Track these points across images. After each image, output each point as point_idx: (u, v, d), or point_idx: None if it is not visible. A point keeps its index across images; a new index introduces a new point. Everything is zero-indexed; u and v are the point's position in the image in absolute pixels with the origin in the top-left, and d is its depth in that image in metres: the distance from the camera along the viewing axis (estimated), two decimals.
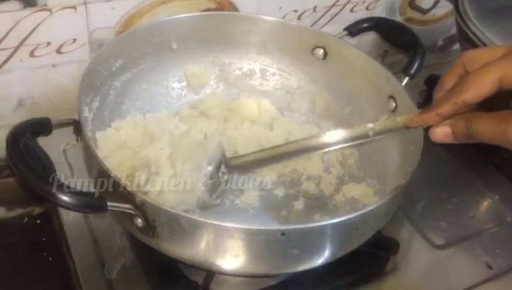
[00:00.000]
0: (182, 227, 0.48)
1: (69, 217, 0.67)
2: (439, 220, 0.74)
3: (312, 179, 0.70)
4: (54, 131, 0.56)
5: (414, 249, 0.70)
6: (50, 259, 0.67)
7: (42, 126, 0.52)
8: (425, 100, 0.93)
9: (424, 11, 1.05)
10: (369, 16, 0.79)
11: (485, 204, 0.78)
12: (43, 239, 0.70)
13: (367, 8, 0.96)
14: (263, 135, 0.72)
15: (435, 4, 1.05)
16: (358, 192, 0.67)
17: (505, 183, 0.80)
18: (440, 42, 1.12)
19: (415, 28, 1.05)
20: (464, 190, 0.79)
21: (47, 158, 0.48)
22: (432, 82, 0.95)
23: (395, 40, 0.75)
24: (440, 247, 0.70)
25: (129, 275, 0.61)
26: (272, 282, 0.62)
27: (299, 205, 0.66)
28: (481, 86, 0.43)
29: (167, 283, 0.59)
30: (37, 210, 0.74)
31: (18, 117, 0.75)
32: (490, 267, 0.68)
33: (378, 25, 0.76)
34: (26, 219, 0.73)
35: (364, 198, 0.66)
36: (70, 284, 0.62)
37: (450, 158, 0.85)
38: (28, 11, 0.68)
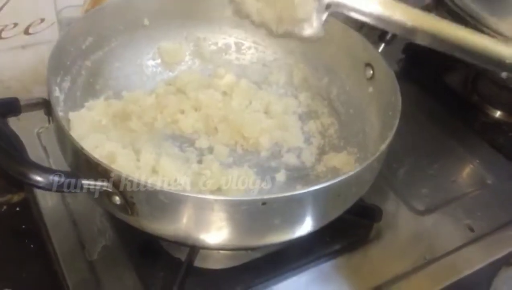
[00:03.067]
0: (162, 203, 0.47)
1: (47, 203, 0.65)
2: (420, 186, 0.74)
3: (293, 150, 0.69)
4: (27, 114, 0.55)
5: (397, 216, 0.69)
6: (32, 246, 0.66)
7: (10, 106, 0.51)
8: (403, 69, 0.93)
9: None
10: None
11: (466, 169, 0.78)
12: (23, 226, 0.68)
13: None
14: (241, 109, 0.71)
15: None
16: (339, 161, 0.66)
17: (485, 147, 0.81)
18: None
19: None
20: (444, 156, 0.79)
21: (18, 139, 0.47)
22: (409, 50, 0.94)
23: None
24: (422, 213, 0.70)
25: (111, 255, 0.60)
26: (258, 255, 0.61)
27: (280, 177, 0.66)
28: None
29: (150, 261, 0.58)
30: (15, 198, 0.72)
31: None
32: (472, 230, 0.69)
33: None
34: (4, 207, 0.71)
35: (346, 167, 0.66)
36: (52, 270, 0.61)
37: (430, 125, 0.85)
38: None
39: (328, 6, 0.53)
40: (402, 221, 0.69)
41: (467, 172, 0.78)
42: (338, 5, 0.53)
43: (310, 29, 0.54)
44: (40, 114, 0.60)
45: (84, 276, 0.58)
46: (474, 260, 0.66)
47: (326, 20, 0.55)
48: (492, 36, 0.69)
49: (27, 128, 0.70)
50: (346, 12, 0.54)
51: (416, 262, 0.64)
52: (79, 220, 0.64)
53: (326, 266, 0.63)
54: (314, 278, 0.61)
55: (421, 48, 0.93)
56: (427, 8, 1.09)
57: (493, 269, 0.67)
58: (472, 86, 0.91)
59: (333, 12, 0.55)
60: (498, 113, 0.86)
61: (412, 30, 0.52)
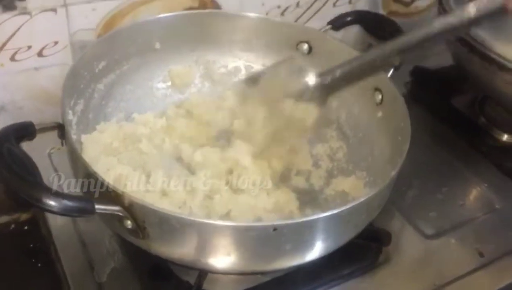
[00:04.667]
0: (172, 227, 0.48)
1: (56, 222, 0.66)
2: (429, 209, 0.74)
3: (302, 173, 0.70)
4: (38, 136, 0.55)
5: (406, 239, 0.70)
6: (39, 265, 0.66)
7: (25, 130, 0.51)
8: (411, 92, 0.94)
9: (407, 4, 1.05)
10: (353, 10, 0.79)
11: (474, 192, 0.79)
12: (31, 245, 0.69)
13: (349, 2, 0.96)
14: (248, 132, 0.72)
15: None
16: (348, 185, 0.67)
17: (493, 171, 0.81)
18: None
19: (398, 20, 1.04)
20: (452, 179, 0.79)
21: (32, 163, 0.47)
22: (417, 73, 0.95)
23: (379, 33, 0.75)
24: (431, 237, 0.70)
25: (120, 277, 0.60)
26: (266, 278, 0.61)
27: None
28: None
29: (159, 284, 0.58)
30: (24, 216, 0.73)
31: (1, 123, 0.75)
32: (481, 255, 0.68)
33: (361, 18, 0.76)
34: (13, 225, 0.72)
35: (354, 191, 0.66)
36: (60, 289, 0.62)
37: (438, 148, 0.85)
38: (7, 15, 0.67)
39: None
40: (411, 245, 0.69)
41: (475, 196, 0.78)
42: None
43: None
44: (52, 135, 0.61)
45: None
46: (484, 285, 0.65)
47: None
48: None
49: (38, 149, 0.70)
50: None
51: (425, 287, 0.64)
52: (88, 240, 0.64)
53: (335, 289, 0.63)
54: None
55: (428, 71, 0.96)
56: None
57: None
58: (479, 109, 0.91)
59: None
60: (505, 137, 0.87)
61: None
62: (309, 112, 0.63)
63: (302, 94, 0.61)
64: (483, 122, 0.89)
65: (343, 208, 0.49)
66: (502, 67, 0.73)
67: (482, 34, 0.75)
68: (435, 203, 0.75)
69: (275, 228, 0.47)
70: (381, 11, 1.02)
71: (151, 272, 0.59)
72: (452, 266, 0.67)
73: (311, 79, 0.61)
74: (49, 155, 0.72)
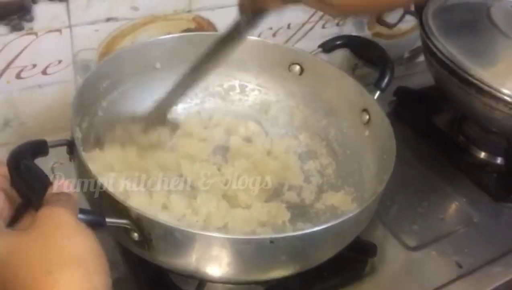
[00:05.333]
0: (176, 239, 0.51)
1: None
2: (411, 223, 0.78)
3: (294, 188, 0.74)
4: None
5: (390, 251, 0.74)
6: None
7: (39, 148, 0.54)
8: (394, 110, 0.99)
9: (390, 26, 1.10)
10: (342, 34, 0.84)
11: (453, 207, 0.84)
12: None
13: (337, 24, 1.01)
14: (243, 148, 0.76)
15: (400, 19, 1.10)
16: (337, 199, 0.71)
17: (471, 186, 0.86)
18: (406, 54, 1.18)
19: (382, 42, 1.11)
20: (433, 194, 0.84)
21: (47, 179, 0.50)
22: (400, 93, 1.00)
23: (366, 56, 0.80)
24: (413, 249, 0.75)
25: (122, 287, 0.63)
26: (260, 288, 0.65)
27: None
28: None
29: None
30: None
31: (5, 138, 0.78)
32: (460, 266, 0.73)
33: (350, 42, 0.81)
34: None
35: (343, 205, 0.70)
36: None
37: (420, 164, 0.90)
38: (15, 35, 0.70)
39: None
40: (395, 256, 0.73)
41: (454, 210, 0.83)
42: None
43: None
44: (54, 151, 0.64)
45: None
46: None
47: None
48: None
49: (41, 163, 0.73)
50: None
51: None
52: None
53: None
54: None
55: (411, 91, 1.01)
56: (415, 52, 1.16)
57: None
58: (458, 128, 0.97)
59: None
60: (482, 154, 0.92)
61: None
62: None
63: None
64: (462, 140, 0.95)
65: (334, 222, 0.53)
66: (479, 90, 0.78)
67: (461, 58, 0.80)
68: (417, 216, 0.80)
69: (271, 241, 0.51)
70: (367, 33, 1.07)
71: (152, 282, 0.63)
72: (433, 276, 0.71)
73: None
74: (52, 168, 0.75)
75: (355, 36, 0.84)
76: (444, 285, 0.70)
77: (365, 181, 0.71)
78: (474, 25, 0.87)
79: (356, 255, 0.69)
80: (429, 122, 0.98)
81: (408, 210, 0.81)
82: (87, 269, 0.38)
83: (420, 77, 1.05)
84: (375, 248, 0.70)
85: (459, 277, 0.72)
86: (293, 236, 0.53)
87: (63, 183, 0.46)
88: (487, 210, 0.83)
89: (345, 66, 1.05)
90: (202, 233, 0.52)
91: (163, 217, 0.59)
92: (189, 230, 0.51)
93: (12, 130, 0.78)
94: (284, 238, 0.52)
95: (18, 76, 0.74)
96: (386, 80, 0.75)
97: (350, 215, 0.55)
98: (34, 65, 0.74)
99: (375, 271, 0.71)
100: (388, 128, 0.67)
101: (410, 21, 1.10)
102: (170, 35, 0.77)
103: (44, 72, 0.76)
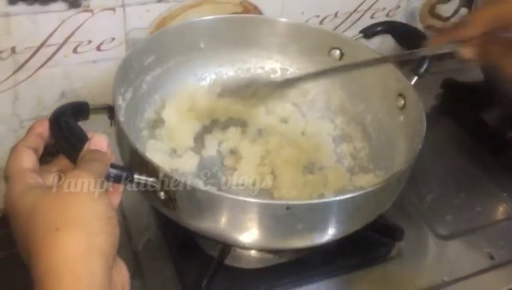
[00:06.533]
0: (199, 200, 0.54)
1: None
2: (445, 213, 0.78)
3: (325, 169, 0.75)
4: (93, 119, 0.63)
5: (420, 238, 0.74)
6: None
7: (81, 109, 0.59)
8: (441, 103, 0.97)
9: (444, 19, 1.08)
10: (384, 20, 0.84)
11: (492, 201, 0.81)
12: None
13: (387, 15, 1.01)
14: (279, 128, 0.78)
15: (455, 13, 1.09)
16: (366, 181, 0.72)
17: None
18: None
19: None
20: (473, 187, 0.83)
21: (85, 135, 0.54)
22: (447, 85, 0.99)
23: (407, 42, 0.79)
24: (444, 238, 0.74)
25: (153, 248, 0.68)
26: (283, 260, 0.67)
27: None
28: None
29: (187, 256, 0.66)
30: None
31: None
32: (492, 258, 0.72)
33: (391, 28, 0.81)
34: None
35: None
36: None
37: (462, 158, 0.89)
38: (72, 11, 0.76)
39: None
40: (425, 244, 0.73)
41: (492, 204, 0.81)
42: None
43: None
44: (103, 119, 0.69)
45: (128, 264, 0.65)
46: (492, 286, 0.69)
47: None
48: None
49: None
50: None
51: (434, 282, 0.68)
52: (128, 215, 0.72)
53: (345, 278, 0.67)
54: (334, 286, 0.66)
55: (459, 84, 0.99)
56: None
57: None
58: (508, 124, 0.94)
59: None
60: None
61: None
62: None
63: None
64: (510, 137, 0.92)
65: (349, 195, 0.54)
66: None
67: None
68: (453, 207, 0.79)
69: (288, 207, 0.53)
70: (419, 26, 1.06)
71: (180, 245, 0.67)
72: (462, 266, 0.71)
73: None
74: None
75: (397, 22, 0.84)
76: (473, 275, 0.70)
77: (395, 165, 0.71)
78: None
79: (381, 237, 0.70)
80: (477, 116, 0.95)
81: (444, 201, 0.80)
82: (89, 231, 0.41)
83: (470, 73, 1.03)
84: (401, 232, 0.70)
85: (490, 268, 0.70)
86: (309, 204, 0.54)
87: (100, 140, 0.50)
88: None
89: (385, 52, 1.04)
90: (222, 194, 0.54)
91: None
92: (210, 191, 0.54)
93: (67, 101, 0.84)
94: (300, 205, 0.54)
95: (74, 51, 0.80)
96: (425, 66, 0.74)
97: (368, 189, 0.55)
98: (90, 41, 0.80)
99: (402, 256, 0.71)
100: (421, 112, 0.67)
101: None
102: (213, 16, 0.80)
103: (98, 48, 0.81)
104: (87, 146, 0.50)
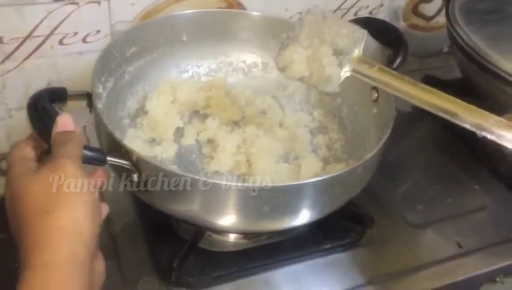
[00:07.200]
0: (170, 182, 0.56)
1: None
2: (418, 203, 0.80)
3: (300, 158, 0.77)
4: (77, 111, 0.65)
5: (391, 226, 0.76)
6: None
7: (59, 94, 0.62)
8: None
9: (427, 18, 1.11)
10: (360, 17, 0.87)
11: (464, 192, 0.83)
12: None
13: (370, 13, 1.03)
14: (257, 119, 0.81)
15: (438, 12, 1.11)
16: (337, 169, 0.73)
17: (486, 174, 0.86)
18: (445, 49, 1.17)
19: (419, 34, 1.11)
20: (446, 179, 0.85)
21: (54, 117, 0.56)
22: (427, 82, 1.00)
23: (383, 37, 0.81)
24: (415, 226, 0.76)
25: (130, 230, 0.70)
26: (256, 244, 0.69)
27: None
28: None
29: (161, 238, 0.68)
30: None
31: None
32: (460, 246, 0.74)
33: (368, 23, 0.83)
34: None
35: None
36: None
37: (438, 151, 0.91)
38: (58, 3, 0.78)
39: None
40: (395, 231, 0.75)
41: (465, 195, 0.83)
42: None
43: (331, 87, 0.66)
44: (87, 110, 0.71)
45: (106, 244, 0.68)
46: (457, 272, 0.71)
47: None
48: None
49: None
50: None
51: (402, 267, 0.70)
52: (108, 199, 0.74)
53: (318, 261, 0.69)
54: (306, 269, 0.68)
55: (438, 80, 1.01)
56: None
57: (475, 284, 0.72)
58: None
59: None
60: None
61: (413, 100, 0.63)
62: None
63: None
64: None
65: (314, 179, 0.57)
66: (508, 83, 0.77)
67: (487, 47, 0.80)
68: (426, 198, 0.81)
69: (253, 189, 0.56)
70: (402, 24, 1.08)
71: (155, 228, 0.69)
72: (431, 252, 0.73)
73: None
74: (84, 127, 0.83)
75: (373, 18, 0.86)
76: (441, 261, 0.71)
77: (367, 155, 0.73)
78: (501, 14, 0.87)
79: (353, 224, 0.72)
80: None
81: (417, 191, 0.82)
82: (75, 215, 0.45)
83: (447, 71, 1.05)
84: (371, 220, 0.73)
85: (458, 256, 0.72)
86: (274, 187, 0.56)
87: (65, 120, 0.52)
88: (499, 198, 0.82)
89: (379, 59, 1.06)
90: (187, 175, 0.56)
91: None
92: (174, 171, 0.56)
93: None
94: (265, 188, 0.56)
95: (60, 42, 0.82)
96: (398, 60, 0.76)
97: (333, 174, 0.58)
98: (75, 33, 0.83)
99: (373, 242, 0.73)
100: (391, 104, 0.69)
101: None
102: (196, 10, 0.83)
103: (84, 40, 0.84)
104: (55, 129, 0.52)
